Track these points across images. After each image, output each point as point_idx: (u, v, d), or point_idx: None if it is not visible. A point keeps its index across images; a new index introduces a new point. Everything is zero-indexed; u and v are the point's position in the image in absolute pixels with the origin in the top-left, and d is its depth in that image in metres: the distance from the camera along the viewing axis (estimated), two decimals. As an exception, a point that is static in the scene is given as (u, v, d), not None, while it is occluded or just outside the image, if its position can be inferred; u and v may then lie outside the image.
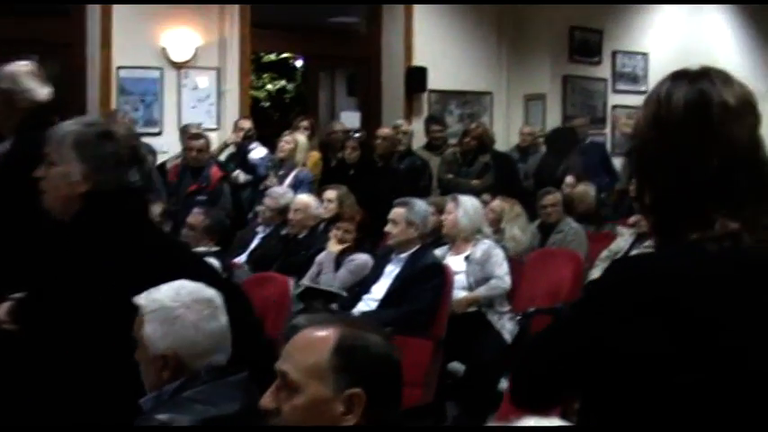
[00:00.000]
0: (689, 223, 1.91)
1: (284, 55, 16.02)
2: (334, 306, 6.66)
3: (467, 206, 7.04)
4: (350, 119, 12.26)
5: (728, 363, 1.83)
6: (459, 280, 6.78)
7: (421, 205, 6.77)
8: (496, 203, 8.46)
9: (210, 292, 2.90)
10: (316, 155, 10.58)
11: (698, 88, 1.96)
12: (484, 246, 6.94)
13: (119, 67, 10.79)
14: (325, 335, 2.30)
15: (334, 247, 7.30)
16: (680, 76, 1.99)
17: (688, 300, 1.85)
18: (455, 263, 6.87)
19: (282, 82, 17.16)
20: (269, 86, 17.06)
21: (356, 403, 2.25)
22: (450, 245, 7.10)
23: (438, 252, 6.95)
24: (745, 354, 1.84)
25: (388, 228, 6.63)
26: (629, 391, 1.87)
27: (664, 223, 1.98)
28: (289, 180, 9.44)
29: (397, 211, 6.63)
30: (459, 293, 6.74)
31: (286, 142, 9.92)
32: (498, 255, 6.94)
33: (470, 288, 6.81)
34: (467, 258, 6.88)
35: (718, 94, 1.95)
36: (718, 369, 1.82)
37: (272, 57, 16.08)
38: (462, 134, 10.99)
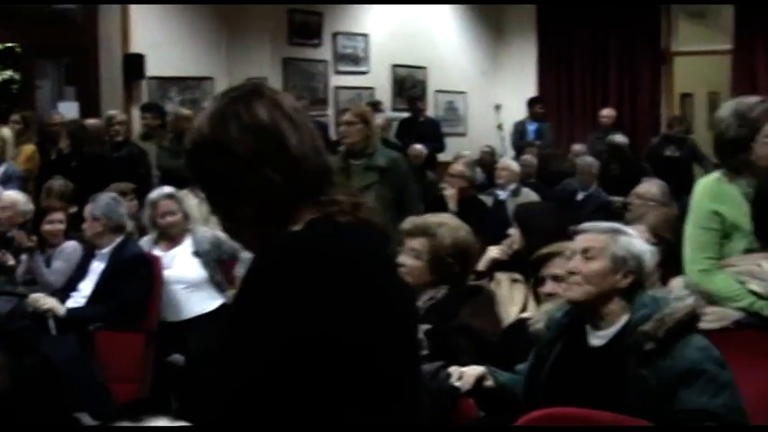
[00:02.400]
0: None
1: (9, 44, 15.46)
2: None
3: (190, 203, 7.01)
4: (68, 109, 11.99)
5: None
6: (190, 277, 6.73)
7: (103, 198, 6.73)
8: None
9: None
10: (29, 148, 10.28)
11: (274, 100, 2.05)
12: (203, 233, 6.87)
13: None
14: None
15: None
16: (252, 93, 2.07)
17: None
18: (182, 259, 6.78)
19: (9, 72, 16.56)
20: (-6, 77, 16.42)
21: None
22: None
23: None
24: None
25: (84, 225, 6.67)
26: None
27: (268, 228, 2.03)
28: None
29: (86, 207, 6.66)
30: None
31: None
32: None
33: (212, 279, 6.74)
34: (196, 254, 6.77)
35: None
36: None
37: (-1, 46, 15.48)
38: (174, 121, 10.91)
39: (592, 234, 3.68)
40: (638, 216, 5.30)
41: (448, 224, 4.59)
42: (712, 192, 4.32)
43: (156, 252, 6.77)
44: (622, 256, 3.57)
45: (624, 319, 3.54)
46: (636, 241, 3.66)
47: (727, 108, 4.37)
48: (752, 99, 4.38)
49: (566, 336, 3.68)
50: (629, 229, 3.82)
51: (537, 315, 3.87)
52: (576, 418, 3.39)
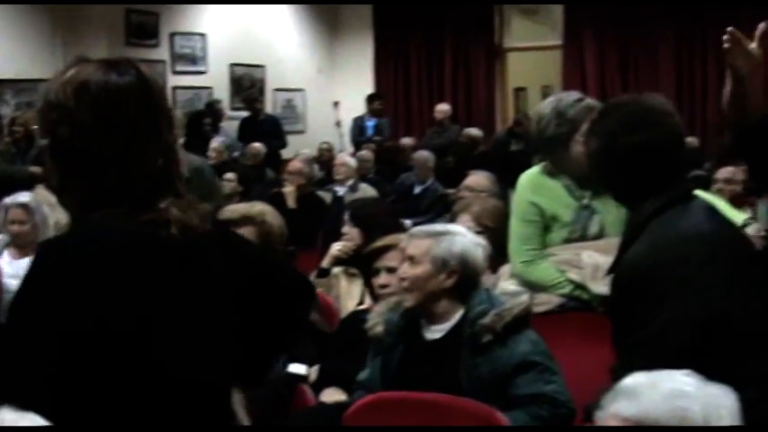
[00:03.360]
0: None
1: None
2: None
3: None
4: None
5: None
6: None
7: None
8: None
9: None
10: None
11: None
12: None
13: None
14: None
15: None
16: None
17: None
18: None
19: None
20: None
21: None
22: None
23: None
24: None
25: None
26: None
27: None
28: None
29: None
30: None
31: None
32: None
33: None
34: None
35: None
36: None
37: None
38: (9, 123, 10.74)
39: (415, 240, 3.84)
40: (463, 207, 5.46)
41: (269, 212, 4.64)
42: (532, 185, 4.44)
43: (5, 257, 6.59)
44: (443, 257, 3.73)
45: (458, 314, 3.75)
46: (459, 240, 3.81)
47: (546, 105, 4.43)
48: (571, 97, 4.46)
49: (405, 336, 3.85)
50: (454, 228, 3.97)
51: (373, 318, 3.99)
52: (407, 401, 3.62)
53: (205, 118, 12.56)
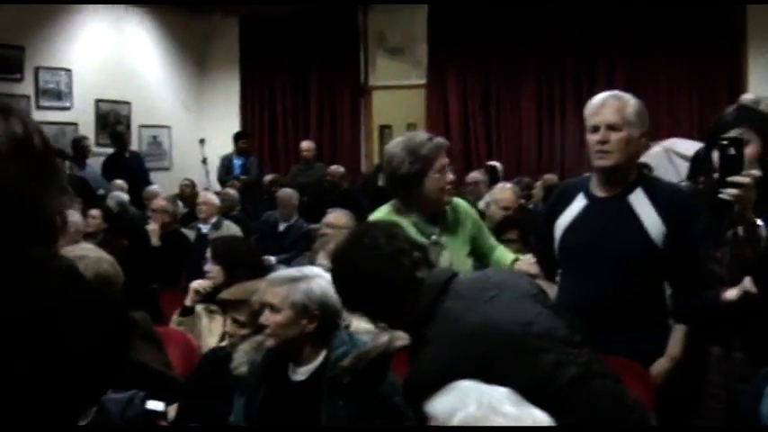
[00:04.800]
0: None
1: None
2: None
3: None
4: None
5: None
6: None
7: None
8: None
9: None
10: None
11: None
12: None
13: None
14: None
15: None
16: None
17: None
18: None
19: None
20: None
21: None
22: None
23: None
24: None
25: None
26: None
27: None
28: None
29: None
30: None
31: None
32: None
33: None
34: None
35: None
36: None
37: None
38: None
39: (273, 288, 3.86)
40: (322, 245, 5.56)
41: (88, 256, 4.26)
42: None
43: None
44: (303, 303, 3.77)
45: (322, 355, 3.79)
46: (317, 283, 3.83)
47: (397, 145, 4.58)
48: (421, 135, 4.62)
49: (269, 375, 3.89)
50: (311, 271, 3.98)
51: (237, 358, 4.02)
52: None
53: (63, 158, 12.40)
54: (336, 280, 3.37)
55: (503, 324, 2.98)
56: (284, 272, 4.12)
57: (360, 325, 4.33)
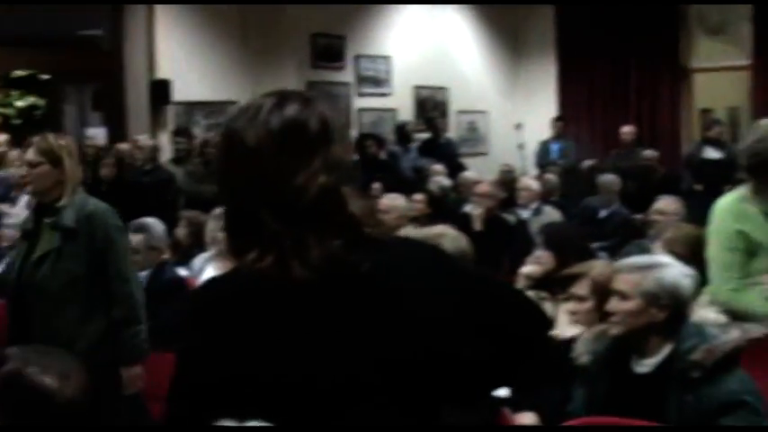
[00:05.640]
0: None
1: (31, 71, 15.65)
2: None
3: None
4: (96, 134, 12.15)
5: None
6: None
7: (158, 227, 6.70)
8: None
9: None
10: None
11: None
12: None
13: None
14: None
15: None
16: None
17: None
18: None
19: (32, 98, 16.73)
20: (19, 103, 16.60)
21: None
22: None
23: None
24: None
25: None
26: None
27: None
28: (22, 202, 8.69)
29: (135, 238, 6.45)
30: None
31: (13, 163, 9.60)
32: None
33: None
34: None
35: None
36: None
37: (21, 72, 15.68)
38: (201, 144, 11.07)
39: (623, 274, 3.76)
40: (657, 233, 5.35)
41: (448, 234, 4.42)
42: (734, 212, 4.33)
43: (209, 271, 6.66)
44: (654, 291, 3.64)
45: (667, 348, 3.64)
46: (669, 272, 3.70)
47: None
48: None
49: (611, 367, 3.79)
50: (662, 260, 3.86)
51: (579, 348, 3.92)
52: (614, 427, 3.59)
53: (367, 141, 12.66)
54: None
55: None
56: (634, 259, 3.98)
57: (708, 316, 4.16)
